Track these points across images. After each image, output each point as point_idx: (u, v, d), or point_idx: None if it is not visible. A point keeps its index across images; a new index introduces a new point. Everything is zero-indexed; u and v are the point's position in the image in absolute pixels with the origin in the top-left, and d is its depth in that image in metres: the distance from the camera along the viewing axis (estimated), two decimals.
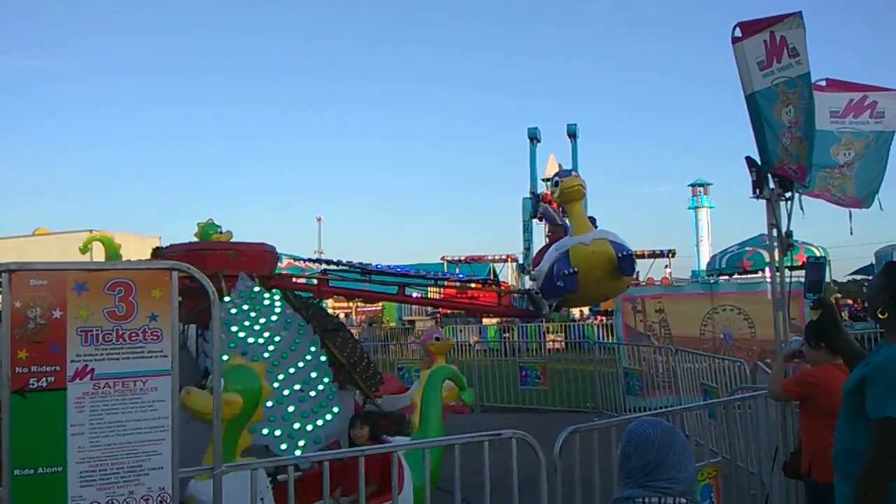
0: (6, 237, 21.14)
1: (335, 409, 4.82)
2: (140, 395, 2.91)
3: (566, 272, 6.58)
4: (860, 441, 2.70)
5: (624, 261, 6.64)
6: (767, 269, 15.39)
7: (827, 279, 11.00)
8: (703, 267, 29.05)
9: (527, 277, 30.04)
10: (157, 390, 2.95)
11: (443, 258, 29.44)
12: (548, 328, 20.16)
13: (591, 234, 6.86)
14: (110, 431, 2.85)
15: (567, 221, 7.54)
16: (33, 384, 2.75)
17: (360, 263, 7.43)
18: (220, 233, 6.78)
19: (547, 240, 8.49)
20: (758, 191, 5.36)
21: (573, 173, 7.29)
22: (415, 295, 7.90)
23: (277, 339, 4.93)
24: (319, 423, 4.67)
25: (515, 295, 8.07)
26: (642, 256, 33.06)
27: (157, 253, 6.21)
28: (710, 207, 52.57)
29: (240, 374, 4.39)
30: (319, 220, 45.62)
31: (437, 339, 7.41)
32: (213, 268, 5.52)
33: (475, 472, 4.05)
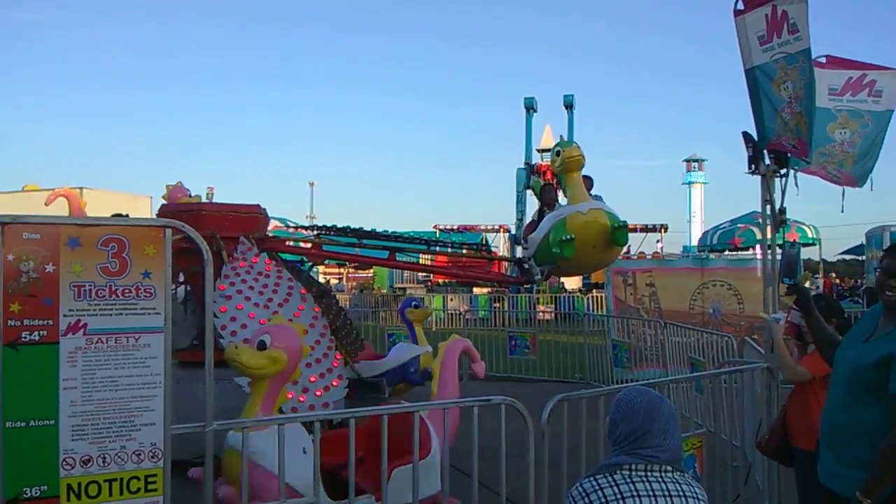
0: None
1: (341, 376, 4.91)
2: (133, 352, 2.91)
3: (563, 238, 6.79)
4: (861, 417, 2.73)
5: (619, 231, 6.88)
6: (758, 247, 15.52)
7: (817, 258, 11.11)
8: (695, 242, 29.17)
9: (519, 248, 30.14)
10: (149, 347, 2.95)
11: (436, 227, 29.43)
12: (538, 299, 20.28)
13: (588, 204, 7.05)
14: (102, 387, 2.85)
15: (562, 192, 7.73)
16: (25, 337, 2.75)
17: (353, 228, 7.44)
18: (190, 196, 6.80)
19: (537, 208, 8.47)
20: (753, 166, 5.37)
21: (573, 143, 7.43)
22: (407, 261, 7.94)
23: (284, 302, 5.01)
24: (329, 388, 4.75)
25: (507, 263, 8.21)
26: (634, 230, 33.15)
27: (161, 212, 6.24)
28: (704, 183, 52.66)
29: (281, 332, 4.44)
30: (312, 185, 45.42)
31: (416, 306, 7.42)
32: (209, 228, 5.54)
33: (464, 438, 4.11)
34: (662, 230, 33.31)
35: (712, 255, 16.96)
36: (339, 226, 7.42)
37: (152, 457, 2.95)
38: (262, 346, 4.33)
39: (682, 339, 9.39)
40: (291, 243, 7.70)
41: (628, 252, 30.27)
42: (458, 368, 5.51)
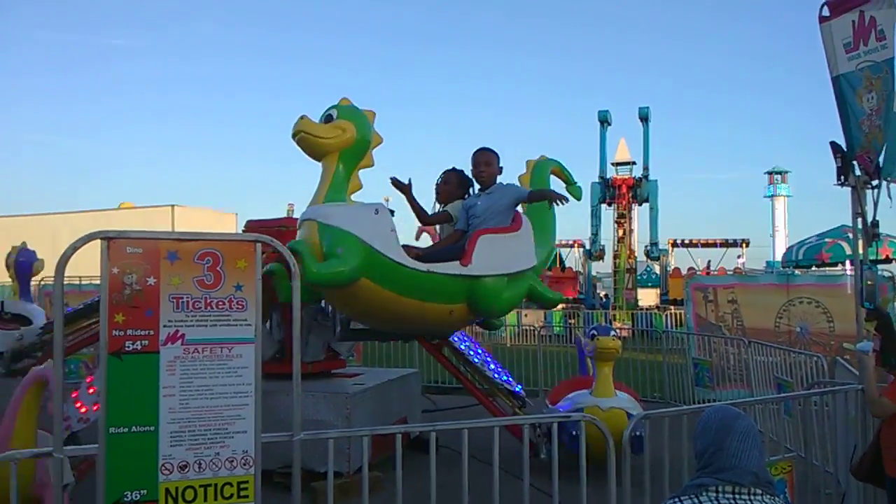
0: (94, 210, 22.35)
1: None
2: (226, 361, 3.03)
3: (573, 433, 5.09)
4: None
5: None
6: (848, 263, 14.81)
7: None
8: (779, 258, 28.08)
9: (595, 264, 29.66)
10: (241, 357, 3.06)
11: None
12: (614, 315, 19.92)
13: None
14: (199, 394, 2.97)
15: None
16: (129, 346, 2.89)
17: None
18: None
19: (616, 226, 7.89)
20: (842, 177, 5.14)
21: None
22: None
23: None
24: None
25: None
26: (714, 245, 32.24)
27: (247, 228, 6.47)
28: (788, 196, 50.73)
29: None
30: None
31: None
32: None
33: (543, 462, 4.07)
34: (744, 245, 32.22)
35: (798, 271, 16.30)
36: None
37: (244, 464, 3.05)
38: (328, 119, 4.19)
39: (767, 359, 9.04)
40: None
41: (708, 267, 29.44)
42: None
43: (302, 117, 4.42)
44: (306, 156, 5.01)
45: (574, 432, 4.66)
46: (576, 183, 6.40)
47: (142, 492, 2.88)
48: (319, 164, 5.06)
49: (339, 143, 4.55)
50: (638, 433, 4.30)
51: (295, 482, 3.31)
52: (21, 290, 7.98)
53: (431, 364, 11.85)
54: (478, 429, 4.12)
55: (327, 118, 4.74)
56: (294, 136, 4.78)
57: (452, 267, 4.89)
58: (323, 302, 6.40)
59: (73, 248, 2.85)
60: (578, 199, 6.40)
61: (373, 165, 5.14)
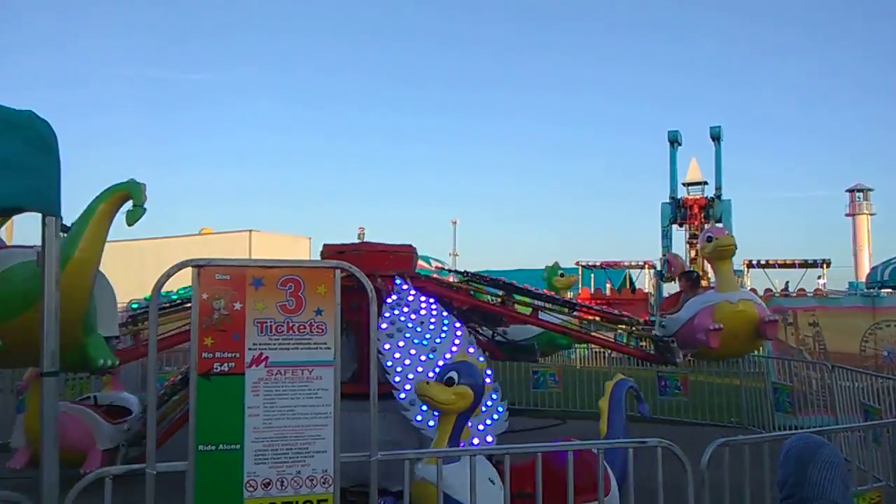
0: (177, 236, 23.38)
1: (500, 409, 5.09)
2: (307, 383, 3.15)
3: (711, 327, 6.87)
4: None
5: (768, 326, 7.01)
6: None
7: None
8: (862, 278, 26.88)
9: (664, 285, 29.09)
10: (321, 379, 3.18)
11: (577, 263, 29.02)
12: None
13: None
14: (281, 415, 3.09)
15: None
16: (216, 368, 3.04)
17: (504, 282, 7.52)
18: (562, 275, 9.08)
19: (679, 282, 8.51)
20: None
21: (726, 232, 7.85)
22: (548, 319, 7.80)
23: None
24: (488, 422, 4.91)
25: (643, 342, 8.08)
26: (793, 266, 31.09)
27: (324, 252, 6.66)
28: (871, 214, 48.56)
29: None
30: (455, 223, 46.30)
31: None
32: (369, 268, 5.90)
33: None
34: (824, 265, 30.96)
35: (884, 293, 15.58)
36: (486, 273, 7.59)
37: (324, 482, 3.15)
38: (450, 382, 4.49)
39: (852, 384, 8.66)
40: (440, 284, 7.92)
41: (786, 289, 28.41)
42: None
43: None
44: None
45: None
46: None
47: None
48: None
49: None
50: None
51: (372, 499, 3.38)
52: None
53: (501, 386, 11.85)
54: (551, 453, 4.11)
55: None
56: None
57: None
58: None
59: (167, 275, 3.03)
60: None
61: None
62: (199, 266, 3.06)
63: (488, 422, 5.15)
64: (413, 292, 5.66)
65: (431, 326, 5.63)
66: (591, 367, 15.91)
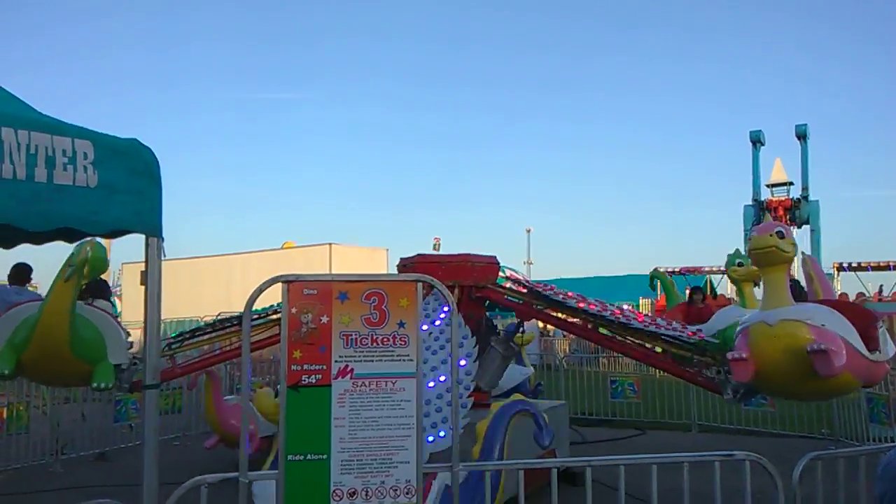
0: (261, 250, 24.31)
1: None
2: (391, 395, 3.23)
3: (735, 356, 5.32)
4: None
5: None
6: None
7: None
8: None
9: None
10: (404, 391, 3.26)
11: (656, 269, 28.46)
12: None
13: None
14: (366, 426, 3.19)
15: None
16: (305, 380, 3.17)
17: (560, 299, 7.33)
18: (740, 265, 7.90)
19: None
20: None
21: (774, 231, 5.46)
22: (607, 334, 7.55)
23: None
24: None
25: (709, 371, 6.46)
26: (888, 268, 29.55)
27: (403, 264, 6.81)
28: None
29: None
30: (529, 231, 46.11)
31: (740, 264, 7.51)
32: (450, 278, 6.06)
33: (703, 497, 3.94)
34: None
35: None
36: (551, 295, 7.39)
37: (407, 493, 3.22)
38: (781, 235, 5.21)
39: None
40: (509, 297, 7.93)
41: (880, 292, 27.04)
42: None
43: (771, 234, 5.22)
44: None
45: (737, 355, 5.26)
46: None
47: None
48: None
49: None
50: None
51: None
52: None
53: (578, 395, 11.71)
54: (633, 465, 4.07)
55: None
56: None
57: (878, 356, 5.56)
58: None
59: (260, 290, 3.18)
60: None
61: None
62: (289, 281, 3.20)
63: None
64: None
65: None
66: (671, 377, 15.54)
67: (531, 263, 41.26)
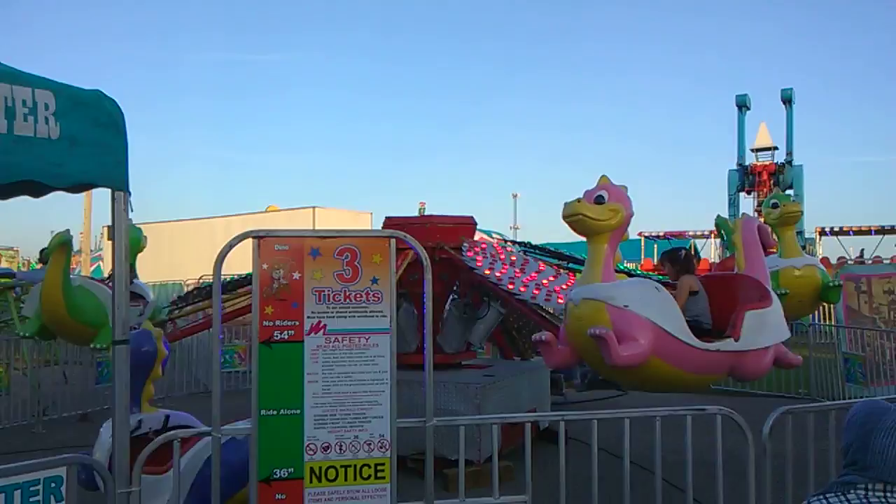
0: (244, 213, 24.18)
1: None
2: (364, 350, 3.23)
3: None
4: None
5: (832, 291, 7.34)
6: None
7: None
8: None
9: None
10: (377, 346, 3.25)
11: (640, 234, 28.56)
12: None
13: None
14: (339, 381, 3.19)
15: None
16: (277, 336, 3.15)
17: (553, 250, 7.58)
18: (774, 206, 7.81)
19: (756, 214, 7.98)
20: None
21: (793, 199, 7.75)
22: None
23: None
24: None
25: None
26: (869, 233, 29.83)
27: (386, 225, 6.85)
28: None
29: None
30: (515, 196, 46.05)
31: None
32: (431, 239, 6.11)
33: (674, 451, 3.99)
34: None
35: None
36: (541, 244, 7.64)
37: (381, 447, 3.23)
38: (600, 201, 4.57)
39: None
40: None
41: (861, 256, 27.32)
42: None
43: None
44: (779, 224, 7.32)
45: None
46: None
47: (289, 469, 3.13)
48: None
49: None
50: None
51: (428, 465, 3.46)
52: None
53: None
54: (608, 420, 4.10)
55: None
56: (569, 216, 4.85)
57: (727, 344, 4.93)
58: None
59: (230, 245, 3.14)
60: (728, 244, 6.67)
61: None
62: (259, 237, 3.16)
63: None
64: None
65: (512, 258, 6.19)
66: None
67: (518, 228, 41.33)
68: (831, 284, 7.48)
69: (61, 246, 5.83)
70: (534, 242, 8.39)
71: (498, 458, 4.03)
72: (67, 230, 6.01)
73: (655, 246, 28.60)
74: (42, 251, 8.64)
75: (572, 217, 4.79)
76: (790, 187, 27.31)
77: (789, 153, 27.53)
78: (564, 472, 3.85)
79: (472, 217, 7.08)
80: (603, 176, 5.03)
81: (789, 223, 7.64)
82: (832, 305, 14.05)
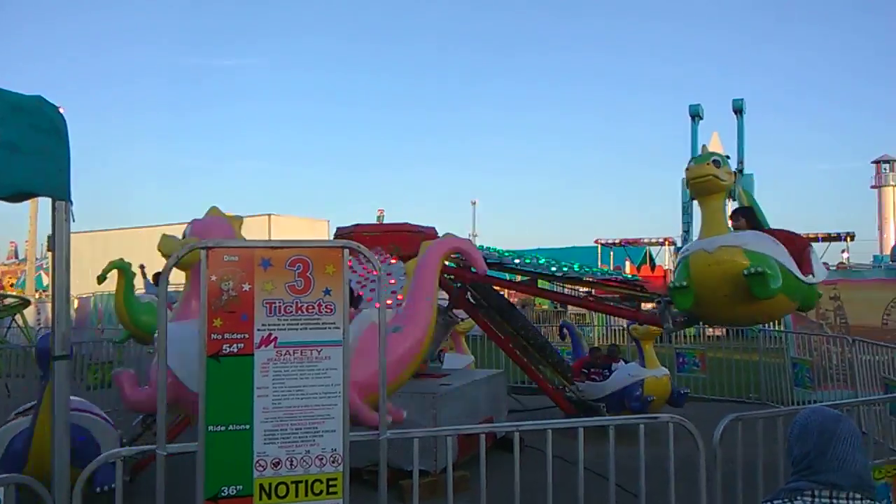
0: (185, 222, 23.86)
1: None
2: (316, 363, 3.16)
3: (676, 284, 5.56)
4: None
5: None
6: None
7: None
8: (888, 251, 26.50)
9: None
10: (329, 359, 3.19)
11: (597, 241, 28.87)
12: None
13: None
14: (290, 395, 3.12)
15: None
16: (226, 349, 3.07)
17: (500, 255, 7.62)
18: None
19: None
20: None
21: (710, 161, 5.56)
22: (547, 287, 8.00)
23: None
24: None
25: (657, 304, 7.00)
26: (816, 239, 30.63)
27: (339, 234, 6.82)
28: None
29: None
30: (474, 203, 46.21)
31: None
32: (389, 248, 6.16)
33: (629, 457, 4.03)
34: (848, 238, 30.52)
35: None
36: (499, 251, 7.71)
37: (333, 461, 3.17)
38: (718, 163, 5.45)
39: (873, 358, 8.57)
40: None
41: None
42: None
43: (708, 163, 5.44)
44: (697, 193, 5.86)
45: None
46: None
47: (238, 487, 3.05)
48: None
49: (730, 184, 5.58)
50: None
51: (381, 479, 3.42)
52: None
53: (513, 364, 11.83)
54: (563, 429, 4.12)
55: (715, 162, 5.54)
56: (701, 177, 5.57)
57: (811, 278, 5.83)
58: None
59: (177, 257, 3.05)
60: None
61: None
62: (208, 248, 3.08)
63: None
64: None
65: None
66: (608, 342, 15.86)
67: (476, 235, 41.45)
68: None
69: (119, 269, 6.81)
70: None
71: (454, 467, 4.01)
72: (121, 259, 6.92)
73: (612, 253, 28.95)
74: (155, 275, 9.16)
75: (703, 178, 5.51)
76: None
77: (740, 162, 28.10)
78: (519, 481, 3.84)
79: (433, 228, 7.14)
80: (714, 133, 5.85)
81: (702, 192, 5.71)
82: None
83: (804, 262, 5.83)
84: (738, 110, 28.25)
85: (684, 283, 5.56)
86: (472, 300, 7.74)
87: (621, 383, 7.80)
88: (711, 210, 5.71)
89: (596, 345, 15.83)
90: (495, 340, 8.08)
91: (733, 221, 6.15)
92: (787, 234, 6.08)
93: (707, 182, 5.53)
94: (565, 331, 10.30)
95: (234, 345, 3.08)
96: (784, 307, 5.97)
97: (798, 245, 5.98)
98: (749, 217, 6.19)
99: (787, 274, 5.47)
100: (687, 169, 5.82)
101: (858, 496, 1.97)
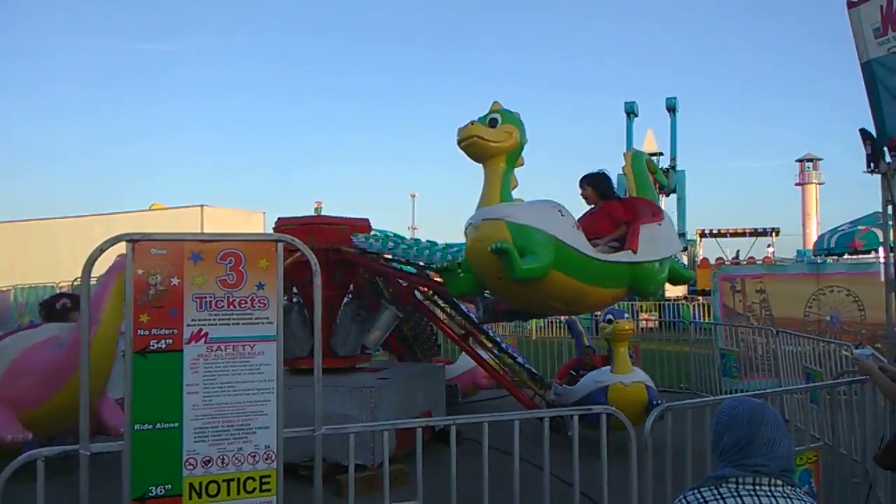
0: (125, 212, 22.87)
1: None
2: (248, 359, 3.09)
3: (438, 266, 5.30)
4: None
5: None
6: (881, 249, 14.52)
7: None
8: (810, 246, 27.65)
9: None
10: (263, 354, 3.13)
11: None
12: (641, 307, 19.78)
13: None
14: (222, 391, 3.04)
15: None
16: (153, 345, 2.97)
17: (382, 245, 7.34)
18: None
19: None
20: (872, 165, 5.11)
21: (480, 121, 4.95)
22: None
23: None
24: None
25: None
26: (744, 235, 31.80)
27: (277, 226, 6.68)
28: (820, 184, 49.87)
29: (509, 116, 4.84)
30: (413, 196, 46.12)
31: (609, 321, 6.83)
32: (325, 242, 5.99)
33: (564, 446, 4.09)
34: (773, 234, 31.78)
35: (830, 260, 16.05)
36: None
37: (266, 458, 3.12)
38: (493, 123, 4.58)
39: (796, 348, 8.94)
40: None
41: (737, 257, 29.08)
42: None
43: (472, 122, 4.74)
44: (469, 158, 5.02)
45: (602, 402, 5.86)
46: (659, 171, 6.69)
47: (166, 486, 2.96)
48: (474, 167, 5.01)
49: (508, 146, 4.83)
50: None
51: (316, 475, 3.37)
52: None
53: (459, 357, 11.89)
54: (499, 422, 4.15)
55: (492, 122, 4.88)
56: (464, 139, 4.82)
57: (625, 255, 5.07)
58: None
59: (101, 249, 2.94)
60: (664, 186, 6.59)
61: (524, 164, 5.18)
62: (134, 240, 2.97)
63: None
64: None
65: None
66: (548, 338, 16.10)
67: (415, 228, 41.42)
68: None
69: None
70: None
71: (392, 461, 3.99)
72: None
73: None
74: None
75: (467, 140, 4.79)
76: (674, 191, 28.70)
77: (673, 158, 28.94)
78: (456, 473, 3.86)
79: (366, 219, 7.07)
80: (495, 102, 5.10)
81: (474, 155, 4.99)
82: (709, 304, 14.80)
83: (631, 235, 5.13)
84: (672, 108, 29.05)
85: (450, 264, 5.07)
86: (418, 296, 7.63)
87: (587, 389, 6.70)
88: (487, 177, 4.93)
89: (534, 337, 16.01)
90: (446, 333, 7.88)
91: (581, 190, 5.59)
92: (625, 204, 5.49)
93: (473, 144, 4.79)
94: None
95: (163, 340, 2.98)
96: (584, 291, 4.95)
97: (629, 217, 5.33)
98: (597, 184, 5.54)
99: (565, 249, 4.68)
100: (459, 129, 5.02)
101: (780, 482, 2.04)
